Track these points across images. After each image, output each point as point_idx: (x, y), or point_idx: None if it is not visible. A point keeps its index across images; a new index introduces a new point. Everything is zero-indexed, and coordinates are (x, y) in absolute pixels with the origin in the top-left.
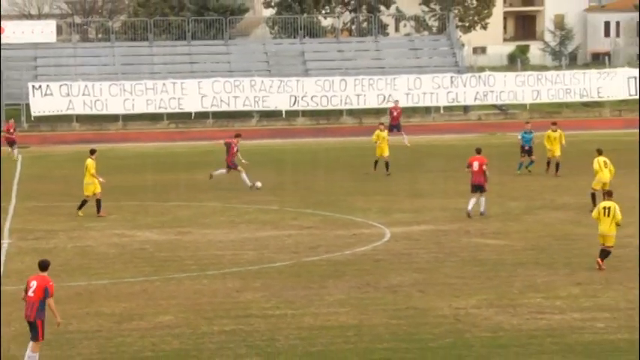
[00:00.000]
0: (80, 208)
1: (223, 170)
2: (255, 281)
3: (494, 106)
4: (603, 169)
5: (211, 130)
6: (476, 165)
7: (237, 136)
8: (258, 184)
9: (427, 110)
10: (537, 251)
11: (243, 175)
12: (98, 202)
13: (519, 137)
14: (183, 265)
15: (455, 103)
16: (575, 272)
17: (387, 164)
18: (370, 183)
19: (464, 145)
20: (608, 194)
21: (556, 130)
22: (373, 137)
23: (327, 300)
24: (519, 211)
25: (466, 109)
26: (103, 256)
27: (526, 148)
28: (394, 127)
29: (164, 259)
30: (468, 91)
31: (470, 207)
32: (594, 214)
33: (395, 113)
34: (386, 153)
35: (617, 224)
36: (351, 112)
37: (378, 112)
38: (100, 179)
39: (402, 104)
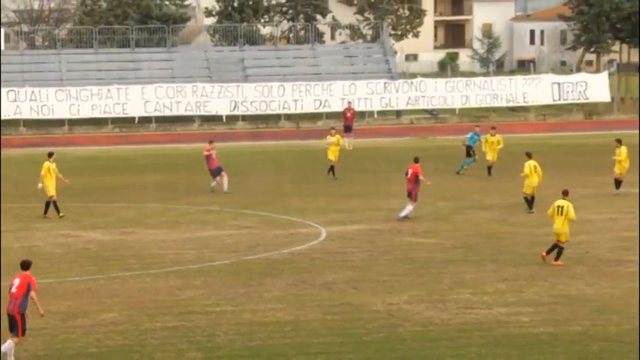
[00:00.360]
0: (57, 211)
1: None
2: (196, 279)
3: (426, 111)
4: (533, 174)
5: (154, 134)
6: (409, 172)
7: (211, 142)
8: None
9: (361, 115)
10: (466, 249)
11: (224, 180)
12: (47, 204)
13: (467, 136)
14: (127, 264)
15: (388, 108)
16: (502, 269)
17: (331, 168)
18: (307, 184)
19: (396, 148)
20: (563, 193)
21: (494, 135)
22: (323, 142)
23: (265, 297)
24: (449, 211)
25: (399, 113)
26: (49, 256)
27: (470, 148)
28: (347, 128)
29: (108, 259)
30: (400, 96)
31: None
32: (549, 212)
33: (349, 114)
34: (335, 157)
35: (571, 221)
36: (289, 117)
37: (314, 116)
38: (40, 185)
39: (338, 109)
